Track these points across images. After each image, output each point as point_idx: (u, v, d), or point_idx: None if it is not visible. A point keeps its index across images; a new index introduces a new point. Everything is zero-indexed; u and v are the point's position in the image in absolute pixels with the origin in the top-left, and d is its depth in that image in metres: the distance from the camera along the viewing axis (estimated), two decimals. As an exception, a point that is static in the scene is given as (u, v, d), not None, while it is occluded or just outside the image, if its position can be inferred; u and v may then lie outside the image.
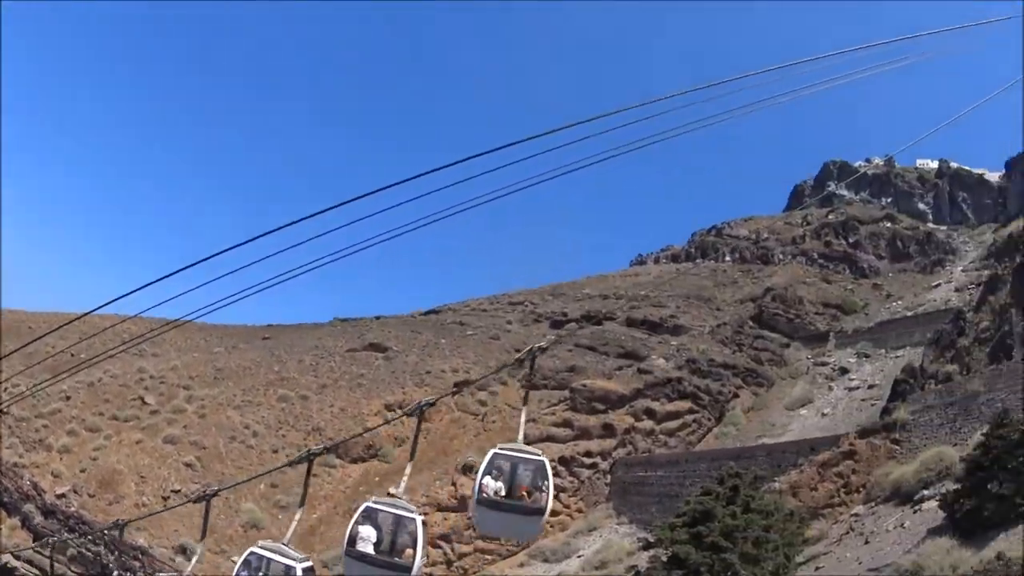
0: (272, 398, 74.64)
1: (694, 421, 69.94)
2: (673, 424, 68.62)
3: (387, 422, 62.76)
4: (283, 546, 14.62)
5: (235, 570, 14.32)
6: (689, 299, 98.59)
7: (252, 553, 14.54)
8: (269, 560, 14.43)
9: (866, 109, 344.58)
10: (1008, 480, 31.35)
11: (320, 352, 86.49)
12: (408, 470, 15.78)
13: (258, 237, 12.22)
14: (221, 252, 12.36)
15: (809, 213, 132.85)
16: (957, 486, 34.37)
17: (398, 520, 14.74)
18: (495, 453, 14.93)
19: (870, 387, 69.83)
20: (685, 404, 70.12)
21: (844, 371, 76.93)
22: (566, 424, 66.44)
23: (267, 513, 59.75)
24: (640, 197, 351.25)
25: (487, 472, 14.69)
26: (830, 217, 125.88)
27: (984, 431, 36.23)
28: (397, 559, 14.37)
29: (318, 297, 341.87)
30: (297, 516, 15.79)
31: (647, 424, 67.86)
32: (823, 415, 67.47)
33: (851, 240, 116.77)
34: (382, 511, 14.75)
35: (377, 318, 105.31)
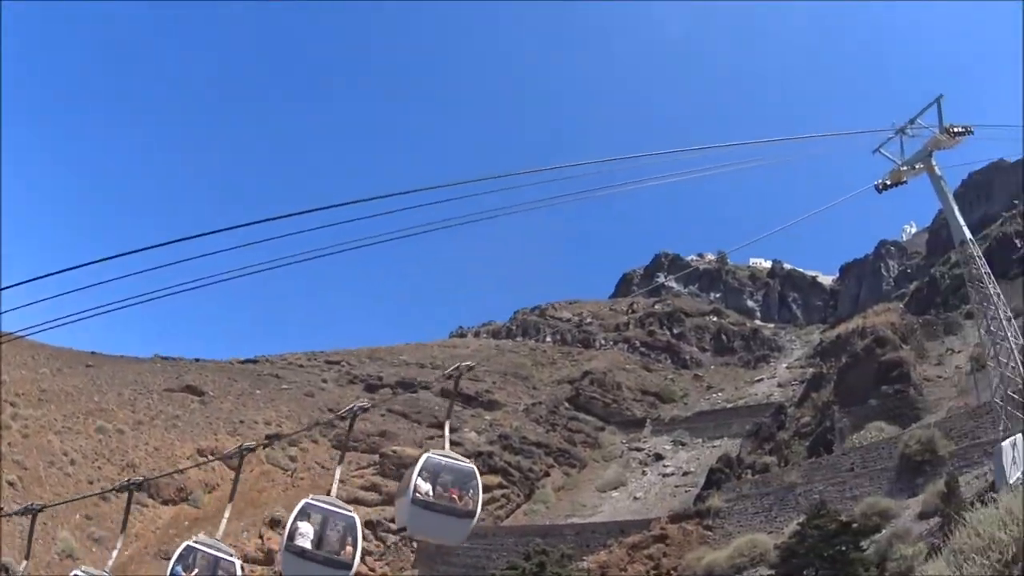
0: (91, 427, 75.63)
1: (503, 496, 69.60)
2: (483, 496, 66.62)
3: (199, 464, 65.10)
4: (217, 541, 15.63)
5: (171, 563, 15.11)
6: (507, 376, 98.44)
7: (187, 547, 15.40)
8: (204, 553, 15.26)
9: (706, 203, 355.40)
10: (825, 568, 31.06)
11: (139, 387, 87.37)
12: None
13: (82, 265, 12.69)
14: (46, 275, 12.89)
15: (635, 302, 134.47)
16: (771, 572, 34.02)
17: (336, 518, 15.55)
18: (428, 457, 15.93)
19: (685, 474, 70.23)
20: (495, 479, 69.68)
21: (659, 457, 77.19)
22: (374, 488, 65.90)
23: (81, 544, 59.99)
24: (464, 270, 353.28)
25: (419, 474, 15.49)
26: (656, 307, 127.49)
27: (800, 520, 36.21)
28: (336, 556, 15.10)
29: (141, 328, 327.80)
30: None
31: None
32: (635, 499, 67.46)
33: (675, 331, 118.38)
34: (320, 508, 15.56)
35: (196, 360, 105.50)
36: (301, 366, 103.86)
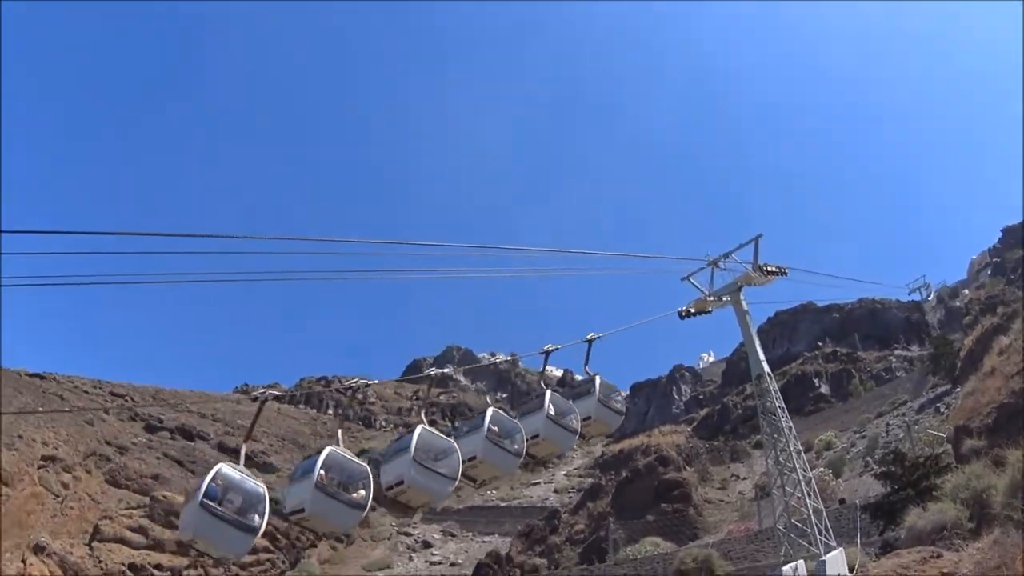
0: None
1: (268, 560, 67.84)
2: (247, 559, 65.13)
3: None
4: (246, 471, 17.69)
5: (204, 483, 16.78)
6: (284, 440, 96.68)
7: (219, 471, 17.17)
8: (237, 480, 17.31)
9: (507, 303, 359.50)
10: None
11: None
12: None
13: None
14: None
15: (421, 389, 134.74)
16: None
17: (353, 468, 19.24)
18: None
19: (452, 564, 70.30)
20: (262, 542, 66.65)
21: (427, 545, 76.80)
22: (141, 531, 61.94)
23: None
24: (254, 329, 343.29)
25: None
26: (441, 398, 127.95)
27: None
28: (351, 496, 18.62)
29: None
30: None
31: None
32: (400, 584, 66.61)
33: (456, 424, 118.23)
34: (341, 456, 19.12)
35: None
36: (86, 392, 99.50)
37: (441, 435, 20.54)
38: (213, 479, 16.84)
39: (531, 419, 23.20)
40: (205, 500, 16.54)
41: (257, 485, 17.49)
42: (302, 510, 18.51)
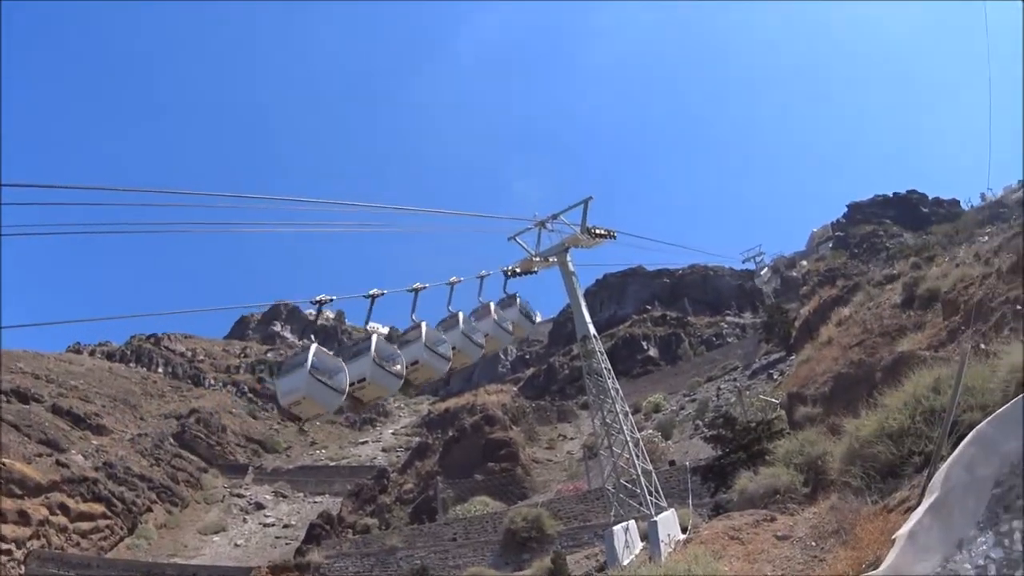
0: None
1: (107, 527, 65.53)
2: (86, 525, 64.14)
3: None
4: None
5: (309, 357, 21.97)
6: (116, 401, 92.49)
7: (316, 350, 22.57)
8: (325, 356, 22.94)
9: (338, 260, 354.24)
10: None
11: None
12: None
13: None
14: None
15: (249, 347, 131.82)
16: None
17: (392, 350, 25.10)
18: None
19: (285, 526, 69.26)
20: (99, 507, 65.68)
21: (260, 506, 75.51)
22: None
23: None
24: (85, 287, 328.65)
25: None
26: (269, 355, 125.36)
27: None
28: (395, 367, 24.57)
29: None
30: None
31: (61, 520, 62.53)
32: (236, 545, 65.68)
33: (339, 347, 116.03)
34: (383, 342, 24.97)
35: None
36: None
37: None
38: (315, 354, 22.16)
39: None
40: (312, 369, 21.70)
41: (337, 359, 23.01)
42: (363, 379, 23.40)
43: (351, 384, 22.97)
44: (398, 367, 25.00)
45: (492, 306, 31.24)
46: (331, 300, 23.87)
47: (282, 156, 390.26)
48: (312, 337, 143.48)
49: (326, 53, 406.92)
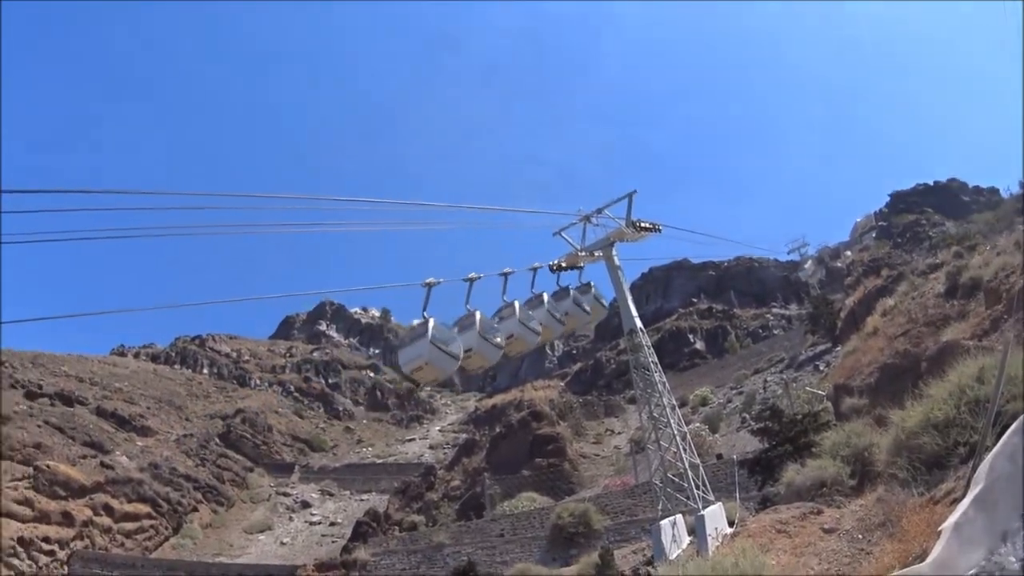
0: None
1: (151, 527, 65.97)
2: (130, 525, 64.52)
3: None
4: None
5: (430, 328, 25.21)
6: (161, 403, 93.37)
7: (435, 322, 25.42)
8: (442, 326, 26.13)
9: (380, 257, 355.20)
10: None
11: None
12: None
13: None
14: None
15: (295, 346, 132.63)
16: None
17: (488, 323, 28.20)
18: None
19: (332, 524, 69.60)
20: (144, 507, 66.08)
21: (306, 505, 75.86)
22: (27, 503, 58.88)
23: None
24: (127, 288, 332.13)
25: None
26: (314, 355, 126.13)
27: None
28: (496, 339, 27.97)
29: None
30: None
31: (105, 520, 62.89)
32: (282, 543, 66.01)
33: (331, 381, 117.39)
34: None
35: None
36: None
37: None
38: (433, 327, 25.20)
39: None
40: (433, 339, 24.97)
41: (452, 331, 26.20)
42: (470, 349, 26.38)
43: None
44: (498, 339, 28.06)
45: (545, 296, 32.34)
46: (439, 283, 26.20)
47: (333, 160, 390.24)
48: (356, 340, 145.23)
49: (371, 54, 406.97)
